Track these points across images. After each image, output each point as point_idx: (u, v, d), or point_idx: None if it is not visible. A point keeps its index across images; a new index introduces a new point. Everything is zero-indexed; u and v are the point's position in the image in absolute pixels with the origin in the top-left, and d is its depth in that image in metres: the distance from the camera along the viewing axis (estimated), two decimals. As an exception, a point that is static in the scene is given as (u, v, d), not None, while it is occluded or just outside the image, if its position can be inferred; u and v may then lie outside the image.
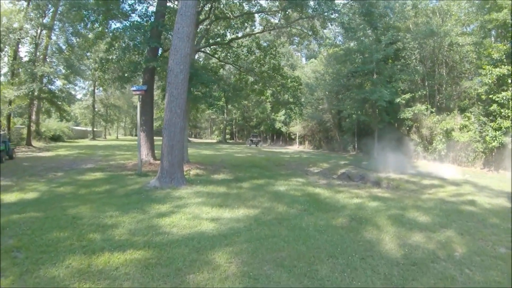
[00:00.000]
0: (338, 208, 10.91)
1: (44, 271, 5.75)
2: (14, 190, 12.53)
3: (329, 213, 10.28)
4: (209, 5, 23.80)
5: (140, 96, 18.65)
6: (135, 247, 6.82)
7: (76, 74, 43.61)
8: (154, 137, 23.41)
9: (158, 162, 20.26)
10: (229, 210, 10.12)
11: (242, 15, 25.10)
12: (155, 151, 22.68)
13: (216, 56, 26.91)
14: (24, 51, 54.71)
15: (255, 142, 60.96)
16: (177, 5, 21.89)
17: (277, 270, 6.13)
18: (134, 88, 19.23)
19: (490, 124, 27.54)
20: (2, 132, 25.29)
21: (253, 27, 28.25)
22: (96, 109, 68.47)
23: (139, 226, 8.23)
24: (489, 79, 26.67)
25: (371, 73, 35.16)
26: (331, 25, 27.30)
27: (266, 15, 27.28)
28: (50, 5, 36.10)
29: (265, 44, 28.75)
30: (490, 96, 27.01)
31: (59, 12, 36.94)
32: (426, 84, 34.52)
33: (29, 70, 33.40)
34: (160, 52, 23.29)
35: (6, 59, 35.49)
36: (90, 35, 27.81)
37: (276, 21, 26.94)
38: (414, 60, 34.57)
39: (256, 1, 25.13)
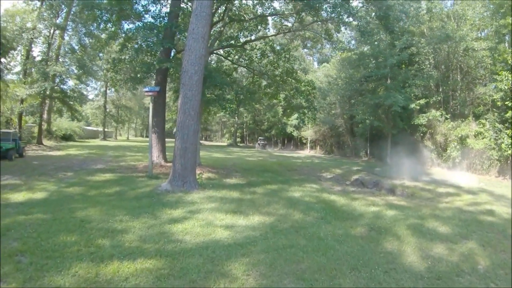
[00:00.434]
0: (355, 217, 10.62)
1: (49, 279, 5.46)
2: (23, 190, 12.38)
3: (346, 221, 9.98)
4: (223, 7, 23.58)
5: (153, 97, 18.47)
6: (146, 256, 6.51)
7: (88, 74, 43.73)
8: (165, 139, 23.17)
9: (169, 164, 20.10)
10: (243, 217, 9.81)
11: (256, 17, 24.84)
12: (166, 153, 22.48)
13: (230, 58, 26.65)
14: (37, 51, 55.09)
15: (262, 145, 63.76)
16: (191, 6, 21.78)
17: (298, 284, 5.83)
18: (147, 89, 19.01)
19: (506, 131, 27.00)
20: (12, 130, 25.33)
21: (267, 30, 27.97)
22: (107, 110, 68.91)
23: (150, 232, 7.93)
24: (505, 85, 26.23)
25: (385, 78, 34.76)
26: (346, 29, 27.02)
27: (281, 18, 27.00)
28: (63, 6, 36.19)
29: (278, 47, 28.49)
30: (506, 102, 26.49)
31: (72, 12, 37.15)
32: (440, 89, 34.05)
33: (41, 70, 33.44)
34: (173, 53, 23.12)
35: (19, 58, 35.64)
36: (103, 36, 27.73)
37: (290, 24, 26.69)
38: (428, 65, 34.12)
39: (269, 4, 24.84)
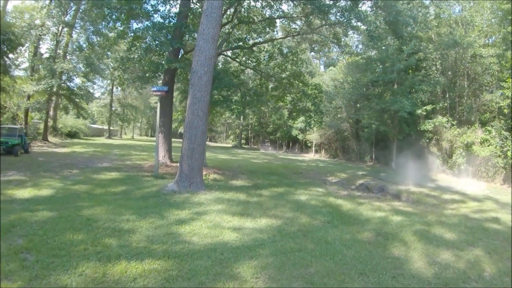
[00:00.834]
0: (362, 222, 10.61)
1: (55, 278, 5.43)
2: (28, 186, 12.42)
3: (353, 226, 9.98)
4: (233, 9, 23.58)
5: (160, 97, 18.48)
6: (153, 256, 6.49)
7: (95, 72, 43.74)
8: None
9: (175, 164, 20.14)
10: (251, 220, 9.79)
11: (265, 19, 24.82)
12: (172, 153, 22.51)
13: (238, 60, 26.64)
14: (45, 48, 55.29)
15: (265, 147, 67.43)
16: (200, 7, 21.80)
17: (307, 288, 5.79)
18: (155, 89, 19.00)
19: (512, 139, 26.87)
20: (18, 126, 25.41)
21: (274, 33, 27.95)
22: (113, 108, 69.06)
23: (157, 233, 7.90)
24: (512, 92, 26.13)
25: (392, 83, 34.72)
26: (353, 33, 27.02)
27: (289, 20, 27.00)
28: (72, 4, 36.30)
29: (285, 50, 28.46)
30: (513, 110, 26.39)
31: (81, 10, 37.32)
32: (447, 96, 33.96)
33: (48, 66, 33.57)
34: (180, 54, 23.14)
35: (26, 54, 35.79)
36: (111, 35, 27.77)
37: (298, 27, 26.67)
38: (435, 71, 34.04)
39: (278, 6, 24.81)
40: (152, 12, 22.37)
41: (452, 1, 34.86)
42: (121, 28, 22.63)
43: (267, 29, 25.52)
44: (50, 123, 40.36)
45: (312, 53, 64.21)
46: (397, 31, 32.62)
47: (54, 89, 34.56)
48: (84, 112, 44.97)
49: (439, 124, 32.00)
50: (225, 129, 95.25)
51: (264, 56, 25.94)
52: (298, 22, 26.22)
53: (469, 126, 31.11)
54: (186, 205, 11.00)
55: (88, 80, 44.04)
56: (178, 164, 15.03)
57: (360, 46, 48.52)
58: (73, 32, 38.40)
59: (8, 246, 6.45)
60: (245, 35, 25.12)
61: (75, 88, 39.84)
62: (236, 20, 23.73)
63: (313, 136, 56.81)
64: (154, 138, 18.21)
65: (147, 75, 22.86)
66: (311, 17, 23.40)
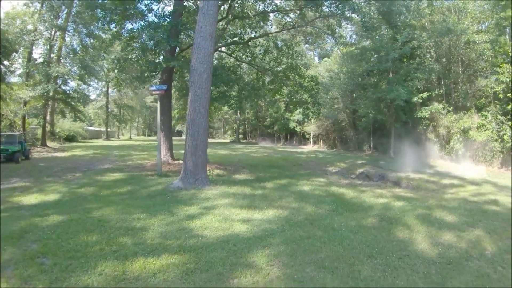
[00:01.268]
0: (365, 208, 10.84)
1: (75, 279, 5.54)
2: (34, 192, 12.52)
3: (357, 213, 10.21)
4: (227, 5, 23.63)
5: (159, 96, 18.58)
6: (169, 251, 6.65)
7: (91, 74, 43.58)
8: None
9: (177, 162, 20.30)
10: (258, 211, 9.99)
11: (259, 14, 24.88)
12: (173, 151, 22.65)
13: (234, 55, 26.71)
14: (38, 53, 55.08)
15: (263, 139, 70.40)
16: (194, 4, 21.89)
17: (320, 272, 6.05)
18: (154, 88, 18.96)
19: (508, 123, 27.21)
20: (18, 133, 25.44)
21: (269, 27, 27.99)
22: (109, 110, 68.95)
23: (169, 229, 8.07)
24: (506, 77, 26.40)
25: (387, 72, 34.82)
26: (347, 23, 27.09)
27: (283, 14, 27.06)
28: (63, 6, 36.14)
29: (280, 43, 28.52)
30: (508, 95, 26.64)
31: (72, 13, 37.04)
32: (442, 82, 34.16)
33: (43, 71, 33.49)
34: (176, 51, 23.19)
35: (20, 60, 35.71)
36: (105, 36, 27.75)
37: (291, 20, 26.70)
38: (429, 59, 34.20)
39: (271, 0, 24.86)
40: (146, 11, 22.42)
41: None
42: (116, 29, 22.65)
43: (261, 23, 25.55)
44: (48, 128, 40.24)
45: (306, 45, 64.04)
46: (390, 21, 32.71)
47: (50, 94, 34.40)
48: (81, 115, 44.85)
49: (435, 111, 32.22)
50: (222, 125, 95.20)
51: (260, 51, 25.99)
52: (292, 15, 26.26)
53: (465, 112, 31.33)
54: (193, 200, 11.17)
55: (84, 82, 43.91)
56: (182, 162, 15.19)
57: (354, 36, 48.61)
58: (66, 35, 38.18)
59: (22, 252, 6.51)
60: (240, 30, 25.15)
61: (71, 92, 39.59)
62: (230, 16, 23.77)
63: (311, 127, 56.88)
64: (152, 138, 18.28)
65: (145, 74, 22.91)
66: (304, 9, 23.48)
